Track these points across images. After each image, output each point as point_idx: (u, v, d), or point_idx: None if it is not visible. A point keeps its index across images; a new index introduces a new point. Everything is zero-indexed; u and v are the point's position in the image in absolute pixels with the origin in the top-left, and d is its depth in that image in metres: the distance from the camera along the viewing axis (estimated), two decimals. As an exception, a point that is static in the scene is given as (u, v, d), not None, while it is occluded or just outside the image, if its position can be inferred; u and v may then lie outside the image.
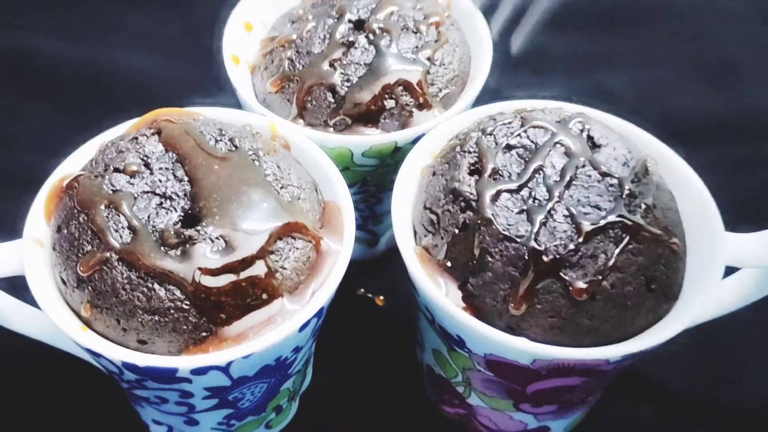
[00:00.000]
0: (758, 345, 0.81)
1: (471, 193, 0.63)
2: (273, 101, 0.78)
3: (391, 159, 0.74)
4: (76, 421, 0.74)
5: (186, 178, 0.62)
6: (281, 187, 0.63)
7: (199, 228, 0.58)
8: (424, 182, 0.69)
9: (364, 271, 0.71)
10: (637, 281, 0.60)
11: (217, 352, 0.56)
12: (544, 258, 0.59)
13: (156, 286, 0.57)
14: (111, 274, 0.57)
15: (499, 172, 0.64)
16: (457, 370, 0.70)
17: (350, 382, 0.79)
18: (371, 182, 0.78)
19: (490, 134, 0.67)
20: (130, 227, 0.59)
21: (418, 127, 0.73)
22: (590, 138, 0.66)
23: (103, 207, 0.59)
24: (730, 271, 0.63)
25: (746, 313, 0.68)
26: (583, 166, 0.64)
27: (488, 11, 0.85)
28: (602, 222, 0.60)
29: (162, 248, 0.58)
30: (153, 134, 0.65)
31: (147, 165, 0.62)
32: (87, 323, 0.59)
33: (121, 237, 0.58)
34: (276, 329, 0.57)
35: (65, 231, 0.60)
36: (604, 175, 0.63)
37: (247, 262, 0.58)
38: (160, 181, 0.62)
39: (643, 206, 0.62)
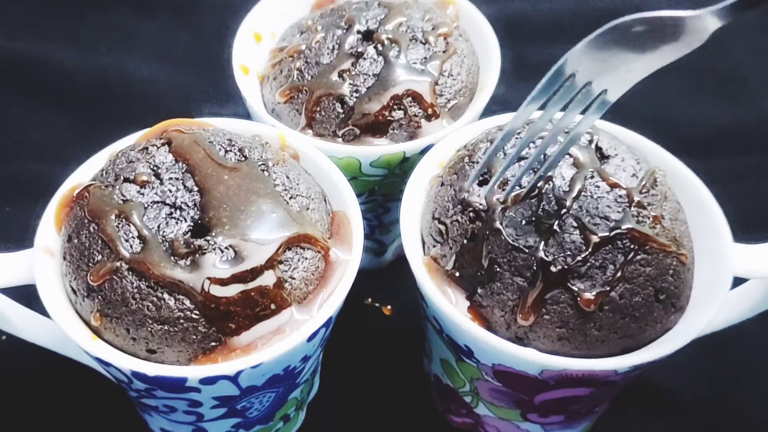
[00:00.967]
0: (765, 355, 0.81)
1: (479, 204, 0.64)
2: (282, 111, 0.78)
3: (399, 169, 0.74)
4: (85, 429, 0.75)
5: (196, 188, 0.62)
6: (290, 197, 0.63)
7: (208, 238, 0.59)
8: (433, 192, 0.69)
9: (371, 280, 0.71)
10: (645, 292, 0.60)
11: (227, 361, 0.56)
12: (553, 268, 0.60)
13: (166, 295, 0.57)
14: (121, 283, 0.58)
15: (508, 182, 0.64)
16: (464, 380, 0.70)
17: (357, 392, 0.79)
18: (379, 192, 0.79)
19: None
20: (140, 237, 0.59)
21: (427, 138, 0.74)
22: (599, 149, 0.66)
23: (113, 217, 0.60)
24: (737, 282, 0.63)
25: (753, 324, 0.68)
26: (592, 177, 0.64)
27: (496, 22, 0.85)
28: (611, 233, 0.61)
29: (172, 258, 0.58)
30: (163, 144, 0.65)
31: (157, 175, 0.63)
32: (97, 332, 0.59)
33: (131, 247, 0.59)
34: (285, 339, 0.57)
35: (76, 240, 0.61)
36: (613, 186, 0.63)
37: (256, 272, 0.58)
38: (170, 191, 0.62)
39: (652, 217, 0.62)
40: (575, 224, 0.61)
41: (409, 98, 0.75)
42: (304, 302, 0.60)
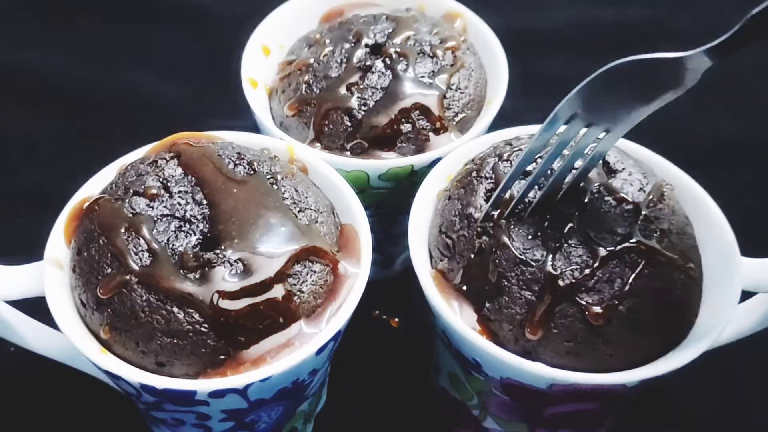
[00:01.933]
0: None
1: (488, 219, 0.64)
2: (290, 125, 0.78)
3: (407, 182, 0.75)
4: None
5: (205, 202, 0.62)
6: (299, 211, 0.64)
7: (217, 251, 0.59)
8: (440, 206, 0.69)
9: (378, 292, 0.71)
10: (653, 306, 0.60)
11: (236, 375, 0.56)
12: (560, 283, 0.60)
13: (175, 308, 0.57)
14: (130, 296, 0.58)
15: (516, 198, 0.64)
16: (472, 394, 0.70)
17: (365, 404, 0.79)
18: (387, 205, 0.79)
19: (507, 160, 0.67)
20: (150, 250, 0.59)
21: (435, 151, 0.74)
22: (606, 163, 0.67)
23: (123, 230, 0.60)
24: (745, 295, 0.63)
25: (762, 337, 0.67)
26: (599, 191, 0.64)
27: (504, 35, 0.85)
28: (618, 247, 0.61)
29: (181, 271, 0.58)
30: (172, 158, 0.66)
31: (166, 188, 0.63)
32: (106, 345, 0.59)
33: (140, 260, 0.59)
34: (294, 352, 0.57)
35: (85, 253, 0.61)
36: (620, 200, 0.63)
37: (265, 286, 0.58)
38: (180, 204, 0.62)
39: (659, 231, 0.62)
40: (583, 238, 0.61)
41: (417, 111, 0.75)
42: (312, 315, 0.60)
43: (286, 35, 0.86)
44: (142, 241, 0.60)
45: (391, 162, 0.73)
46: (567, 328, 0.60)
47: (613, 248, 0.60)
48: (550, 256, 0.61)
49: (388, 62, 0.78)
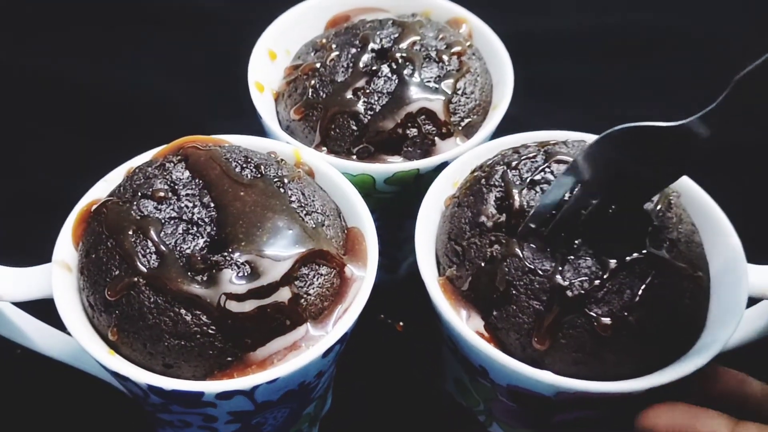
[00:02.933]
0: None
1: (498, 227, 0.64)
2: (296, 128, 0.79)
3: (413, 186, 0.75)
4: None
5: (212, 205, 0.63)
6: (306, 214, 0.64)
7: (225, 254, 0.59)
8: (448, 213, 0.69)
9: (383, 296, 0.71)
10: (662, 316, 0.60)
11: (243, 377, 0.56)
12: (569, 293, 0.60)
13: (182, 310, 0.57)
14: (138, 298, 0.58)
15: (526, 207, 0.64)
16: (478, 400, 0.70)
17: (370, 408, 0.79)
18: (392, 209, 0.79)
19: (515, 168, 0.67)
20: (158, 252, 0.59)
21: (441, 156, 0.74)
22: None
23: (131, 232, 0.60)
24: (750, 302, 0.63)
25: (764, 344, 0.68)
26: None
27: (509, 40, 0.85)
28: (627, 258, 0.61)
29: (189, 273, 0.58)
30: (180, 161, 0.66)
31: (174, 191, 0.63)
32: (113, 347, 0.59)
33: (148, 262, 0.59)
34: (300, 355, 0.57)
35: (93, 256, 0.61)
36: (629, 210, 0.63)
37: (272, 288, 0.58)
38: (187, 207, 0.62)
39: (668, 241, 0.62)
40: (592, 249, 0.61)
41: (423, 116, 0.76)
42: (319, 318, 0.60)
43: (293, 40, 0.87)
44: (149, 244, 0.60)
45: (396, 166, 0.74)
46: (575, 338, 0.59)
47: (622, 259, 0.60)
48: (560, 266, 0.61)
49: (394, 67, 0.78)
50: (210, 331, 0.57)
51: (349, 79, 0.78)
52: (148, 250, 0.60)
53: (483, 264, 0.63)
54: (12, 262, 0.62)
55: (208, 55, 1.11)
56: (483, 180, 0.68)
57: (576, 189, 0.63)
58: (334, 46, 0.82)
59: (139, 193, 0.63)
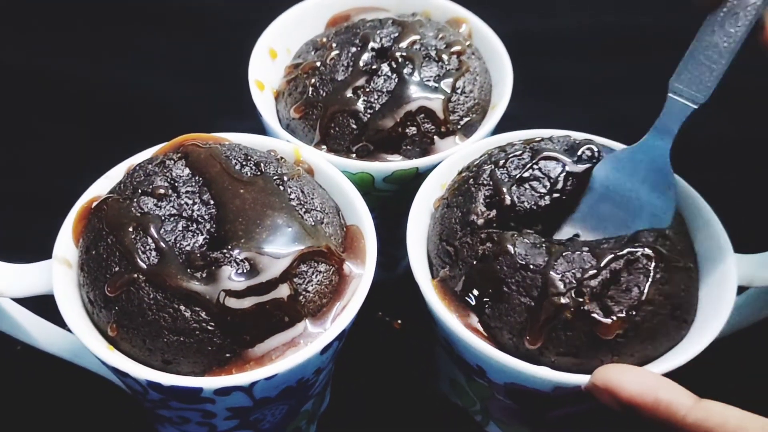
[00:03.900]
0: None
1: (489, 226, 0.64)
2: (296, 127, 0.79)
3: (412, 185, 0.75)
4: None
5: (212, 202, 0.63)
6: (305, 212, 0.64)
7: (224, 251, 0.59)
8: (438, 214, 0.69)
9: (381, 294, 0.71)
10: (664, 312, 0.61)
11: (241, 373, 0.57)
12: (563, 289, 0.60)
13: (182, 307, 0.58)
14: (138, 295, 0.58)
15: (516, 203, 0.65)
16: (475, 400, 0.70)
17: (368, 406, 0.80)
18: (391, 207, 0.79)
19: (503, 167, 0.67)
20: (157, 249, 0.60)
21: (439, 154, 0.74)
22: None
23: (131, 229, 0.61)
24: (738, 290, 0.64)
25: (756, 331, 0.68)
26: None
27: (509, 39, 0.86)
28: (620, 252, 0.61)
29: (188, 270, 0.59)
30: (180, 158, 0.66)
31: (174, 188, 0.64)
32: (113, 343, 0.60)
33: (148, 259, 0.59)
34: (299, 351, 0.58)
35: (93, 252, 0.61)
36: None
37: (271, 285, 0.58)
38: (187, 204, 0.63)
39: (658, 233, 0.63)
40: (586, 246, 0.62)
41: (423, 115, 0.76)
42: (318, 315, 0.61)
43: (293, 39, 0.87)
44: (149, 240, 0.60)
45: (396, 165, 0.74)
46: (569, 335, 0.60)
47: (615, 253, 0.61)
48: (553, 261, 0.61)
49: (394, 66, 0.78)
50: (209, 328, 0.57)
51: (349, 78, 0.78)
52: (147, 247, 0.60)
53: (475, 263, 0.63)
54: (13, 258, 0.63)
55: (209, 54, 1.12)
56: (471, 180, 0.68)
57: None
58: (334, 45, 0.82)
59: (140, 190, 0.63)
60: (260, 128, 0.79)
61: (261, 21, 0.86)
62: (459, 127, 0.77)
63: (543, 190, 0.66)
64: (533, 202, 0.65)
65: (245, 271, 0.58)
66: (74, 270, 0.63)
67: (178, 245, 0.60)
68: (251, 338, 0.58)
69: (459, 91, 0.78)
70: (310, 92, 0.79)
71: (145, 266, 0.59)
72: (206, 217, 0.62)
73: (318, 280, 0.61)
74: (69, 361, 0.69)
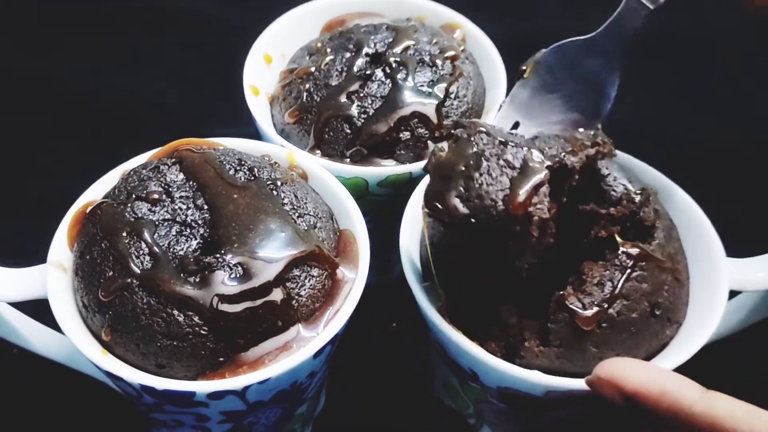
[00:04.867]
0: (760, 367, 0.81)
1: None
2: (291, 132, 0.79)
3: (405, 189, 0.75)
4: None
5: (206, 207, 0.63)
6: (298, 216, 0.64)
7: (217, 255, 0.60)
8: (430, 219, 0.69)
9: (377, 297, 0.72)
10: (641, 308, 0.61)
11: (234, 377, 0.57)
12: (550, 287, 0.60)
13: (175, 311, 0.58)
14: (131, 299, 0.59)
15: None
16: (468, 403, 0.71)
17: (362, 409, 0.80)
18: (385, 211, 0.80)
19: None
20: (151, 254, 0.60)
21: (433, 159, 0.75)
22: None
23: (125, 234, 0.61)
24: (730, 295, 0.65)
25: (747, 335, 0.69)
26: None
27: (502, 44, 0.86)
28: (606, 251, 0.62)
29: (182, 275, 0.59)
30: (174, 163, 0.67)
31: (168, 193, 0.64)
32: (107, 347, 0.60)
33: (142, 263, 0.60)
34: (292, 355, 0.58)
35: (87, 257, 0.62)
36: (605, 204, 0.64)
37: (264, 289, 0.59)
38: (181, 209, 0.63)
39: (646, 235, 0.64)
40: (571, 243, 0.62)
41: (416, 120, 0.76)
42: (310, 319, 0.61)
43: (288, 44, 0.87)
44: (143, 245, 0.60)
45: (389, 169, 0.74)
46: (556, 332, 0.60)
47: (600, 252, 0.61)
48: (541, 260, 0.61)
49: (388, 71, 0.79)
50: (202, 332, 0.58)
51: (344, 83, 0.79)
52: (141, 252, 0.60)
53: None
54: (7, 262, 0.63)
55: (204, 59, 1.12)
56: None
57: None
58: (328, 50, 0.82)
59: (134, 195, 0.64)
60: (255, 133, 0.79)
61: (256, 26, 0.86)
62: (452, 131, 0.78)
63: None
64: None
65: (238, 275, 0.59)
66: (69, 274, 0.64)
67: (171, 250, 0.61)
68: (244, 342, 0.58)
69: (453, 95, 0.79)
70: (305, 97, 0.79)
71: (138, 271, 0.59)
72: (200, 221, 0.62)
73: (311, 285, 0.61)
74: (64, 364, 0.70)
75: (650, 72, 1.14)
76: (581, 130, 0.66)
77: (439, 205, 0.57)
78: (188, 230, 0.62)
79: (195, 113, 1.04)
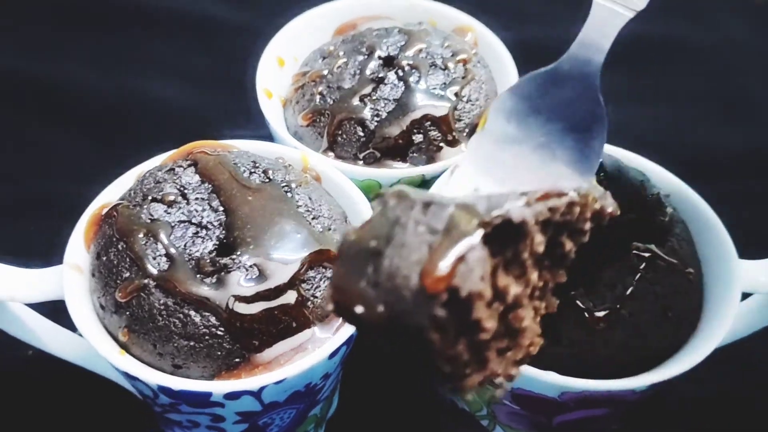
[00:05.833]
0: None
1: None
2: (304, 134, 0.80)
3: (418, 191, 0.76)
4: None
5: (221, 209, 0.64)
6: (313, 218, 0.65)
7: (233, 257, 0.60)
8: None
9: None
10: (654, 309, 0.61)
11: (250, 377, 0.57)
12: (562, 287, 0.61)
13: (192, 312, 0.58)
14: (148, 300, 0.59)
15: None
16: (482, 404, 0.71)
17: (375, 411, 0.80)
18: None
19: None
20: (167, 255, 0.61)
21: (445, 162, 0.75)
22: (604, 170, 0.67)
23: (141, 235, 0.61)
24: (743, 297, 0.65)
25: (760, 338, 0.69)
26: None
27: (513, 47, 0.87)
28: (619, 253, 0.62)
29: (198, 276, 0.60)
30: (189, 166, 0.67)
31: (184, 195, 0.64)
32: (124, 347, 0.60)
33: (158, 265, 0.60)
34: (307, 356, 0.58)
35: (104, 258, 0.62)
36: (620, 207, 0.64)
37: (279, 291, 0.59)
38: (197, 211, 0.64)
39: (659, 237, 0.64)
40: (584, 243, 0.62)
41: (429, 123, 0.77)
42: (325, 320, 0.61)
43: (301, 47, 0.88)
44: (159, 246, 0.61)
45: (402, 172, 0.75)
46: (568, 333, 0.61)
47: (613, 253, 0.61)
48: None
49: (401, 74, 0.79)
50: (218, 333, 0.58)
51: (356, 86, 0.79)
52: (158, 253, 0.61)
53: None
54: (24, 264, 0.63)
55: (218, 62, 1.12)
56: None
57: None
58: (341, 53, 0.83)
59: (150, 197, 0.64)
60: (268, 136, 0.80)
61: (269, 30, 0.87)
62: (465, 134, 0.78)
63: None
64: None
65: (254, 276, 0.59)
66: (85, 276, 0.64)
67: (187, 251, 0.61)
68: (260, 343, 0.59)
69: (465, 99, 0.79)
70: (318, 100, 0.80)
71: (155, 272, 0.60)
72: (215, 223, 0.63)
73: (326, 286, 0.62)
74: (80, 366, 0.70)
75: (663, 75, 1.15)
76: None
77: (343, 299, 0.44)
78: (204, 232, 0.62)
79: (209, 116, 1.04)
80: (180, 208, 0.64)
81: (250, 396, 0.58)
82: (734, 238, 0.66)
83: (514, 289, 0.45)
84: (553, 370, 0.60)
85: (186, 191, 0.65)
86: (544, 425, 0.67)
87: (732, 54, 1.17)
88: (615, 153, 0.72)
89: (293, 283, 0.60)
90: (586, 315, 0.60)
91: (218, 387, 0.57)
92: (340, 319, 0.62)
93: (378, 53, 0.82)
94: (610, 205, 0.52)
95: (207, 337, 0.58)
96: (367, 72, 0.80)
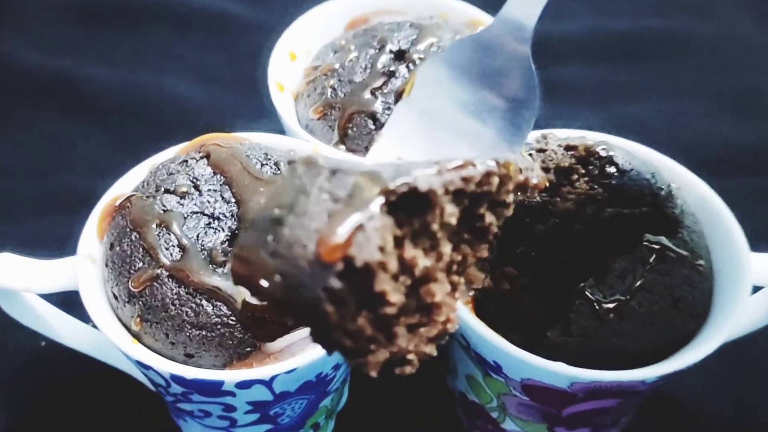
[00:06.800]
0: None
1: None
2: (315, 127, 0.80)
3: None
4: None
5: (233, 200, 0.64)
6: (324, 210, 0.65)
7: (245, 247, 0.60)
8: None
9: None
10: (663, 300, 0.61)
11: (262, 366, 0.58)
12: (572, 277, 0.61)
13: (204, 302, 0.59)
14: (161, 290, 0.60)
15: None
16: (491, 396, 0.71)
17: (385, 402, 0.80)
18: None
19: None
20: (180, 246, 0.61)
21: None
22: (614, 164, 0.67)
23: (154, 226, 0.62)
24: (753, 290, 0.65)
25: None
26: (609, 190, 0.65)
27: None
28: (629, 244, 0.62)
29: (210, 266, 0.60)
30: (202, 158, 0.67)
31: (196, 187, 0.65)
32: (137, 337, 0.61)
33: (171, 255, 0.61)
34: (318, 346, 0.59)
35: (118, 248, 0.63)
36: (630, 199, 0.64)
37: (291, 281, 0.59)
38: (209, 202, 0.64)
39: (668, 229, 0.64)
40: (593, 236, 0.62)
41: (439, 116, 0.77)
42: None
43: (312, 41, 0.88)
44: (172, 237, 0.61)
45: (413, 164, 0.75)
46: (578, 323, 0.61)
47: (623, 245, 0.62)
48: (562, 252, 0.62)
49: (412, 68, 0.79)
50: (230, 322, 0.59)
51: (368, 80, 0.79)
52: (170, 243, 0.61)
53: None
54: (37, 255, 0.64)
55: (230, 56, 1.13)
56: None
57: None
58: (352, 47, 0.83)
59: (163, 188, 0.65)
60: (280, 129, 0.80)
61: (281, 24, 0.87)
62: (476, 127, 0.78)
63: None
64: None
65: (266, 267, 0.59)
66: (98, 266, 0.65)
67: (200, 242, 0.61)
68: (271, 333, 0.59)
69: (476, 92, 0.79)
70: (329, 93, 0.80)
71: (168, 262, 0.60)
72: (228, 214, 0.63)
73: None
74: (92, 356, 0.71)
75: (668, 70, 1.15)
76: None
77: (243, 269, 0.43)
78: (216, 222, 0.63)
79: (221, 109, 1.05)
80: (192, 199, 0.64)
81: (261, 385, 0.58)
82: (745, 231, 0.66)
83: (423, 261, 0.43)
84: (563, 360, 0.60)
85: (198, 183, 0.65)
86: (554, 416, 0.67)
87: (741, 48, 1.17)
88: (626, 146, 0.72)
89: (305, 273, 0.60)
90: (597, 306, 0.60)
91: (230, 376, 0.57)
92: None
93: (389, 47, 0.82)
94: (536, 177, 0.49)
95: (219, 327, 0.59)
96: (379, 66, 0.80)
